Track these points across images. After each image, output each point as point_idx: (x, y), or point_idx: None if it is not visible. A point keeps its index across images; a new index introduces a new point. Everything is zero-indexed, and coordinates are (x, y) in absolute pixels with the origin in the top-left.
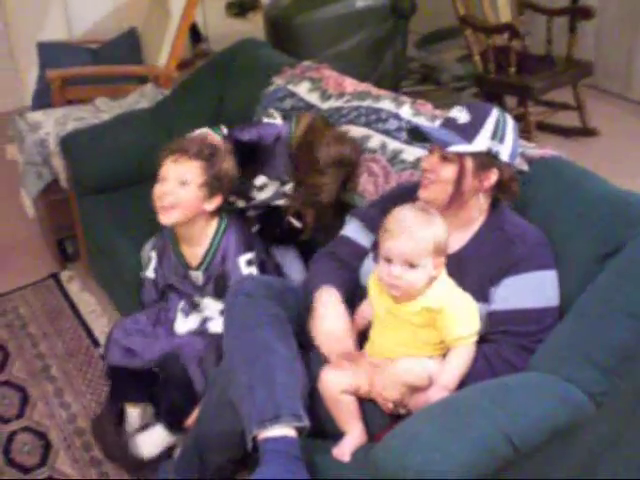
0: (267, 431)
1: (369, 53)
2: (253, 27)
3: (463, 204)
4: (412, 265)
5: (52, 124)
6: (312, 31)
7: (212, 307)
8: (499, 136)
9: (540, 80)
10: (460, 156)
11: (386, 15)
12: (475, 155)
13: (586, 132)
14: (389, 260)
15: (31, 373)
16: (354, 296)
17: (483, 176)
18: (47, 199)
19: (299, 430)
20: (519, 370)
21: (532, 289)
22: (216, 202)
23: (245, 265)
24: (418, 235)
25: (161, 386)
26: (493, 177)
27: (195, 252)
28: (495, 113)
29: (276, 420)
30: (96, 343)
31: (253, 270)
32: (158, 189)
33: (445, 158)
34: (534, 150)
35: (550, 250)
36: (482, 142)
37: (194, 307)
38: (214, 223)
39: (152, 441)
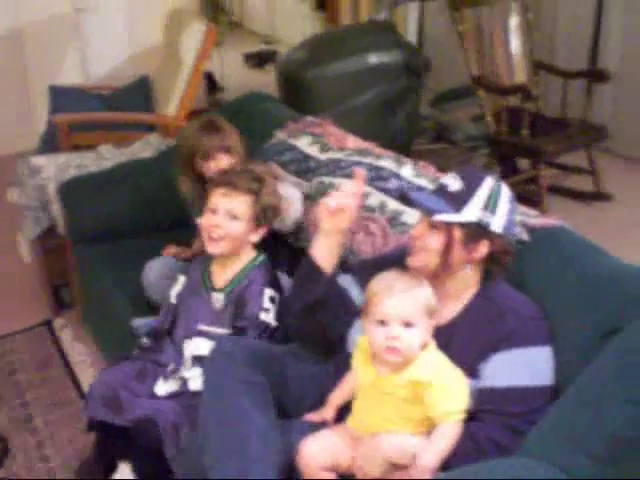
0: None
1: (382, 110)
2: (270, 79)
3: (451, 275)
4: (409, 324)
5: (53, 169)
6: (324, 86)
7: (194, 373)
8: (491, 207)
9: (553, 143)
10: (448, 225)
11: (400, 72)
12: (464, 225)
13: (600, 197)
14: (384, 322)
15: (14, 422)
16: (340, 363)
17: (472, 247)
18: (44, 245)
19: None
20: (507, 451)
21: (523, 366)
22: (261, 232)
23: (268, 299)
24: (413, 292)
25: (135, 449)
26: (483, 249)
27: (224, 274)
28: (489, 183)
29: None
30: (82, 395)
31: (272, 309)
32: (208, 220)
33: (434, 226)
34: (536, 219)
35: (545, 325)
36: (472, 212)
37: (175, 372)
38: (252, 253)
39: None
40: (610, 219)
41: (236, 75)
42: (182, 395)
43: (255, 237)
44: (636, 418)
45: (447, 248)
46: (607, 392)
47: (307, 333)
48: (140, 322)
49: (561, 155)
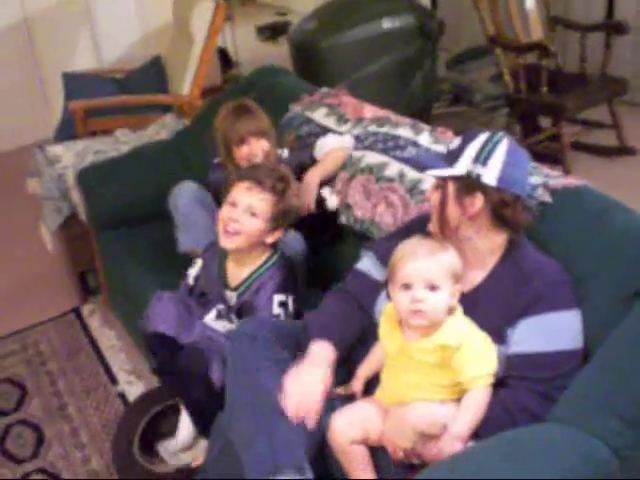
0: None
1: (398, 75)
2: (285, 50)
3: (453, 234)
4: (434, 287)
5: (71, 157)
6: (338, 55)
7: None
8: (482, 159)
9: (573, 99)
10: (444, 181)
11: (414, 36)
12: (456, 179)
13: (624, 151)
14: (409, 286)
15: (47, 411)
16: (368, 334)
17: (466, 202)
18: (67, 233)
19: None
20: (538, 418)
21: (551, 331)
22: (277, 235)
23: (277, 305)
24: (437, 256)
25: (183, 379)
26: (477, 202)
27: (239, 273)
28: (482, 137)
29: (277, 473)
30: (114, 380)
31: (282, 314)
32: (227, 213)
33: (437, 187)
34: (557, 180)
35: (571, 288)
36: (463, 165)
37: (226, 316)
38: (268, 253)
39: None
40: (635, 173)
41: (250, 49)
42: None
43: (270, 239)
44: None
45: (442, 204)
46: (636, 355)
47: None
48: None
49: (582, 111)
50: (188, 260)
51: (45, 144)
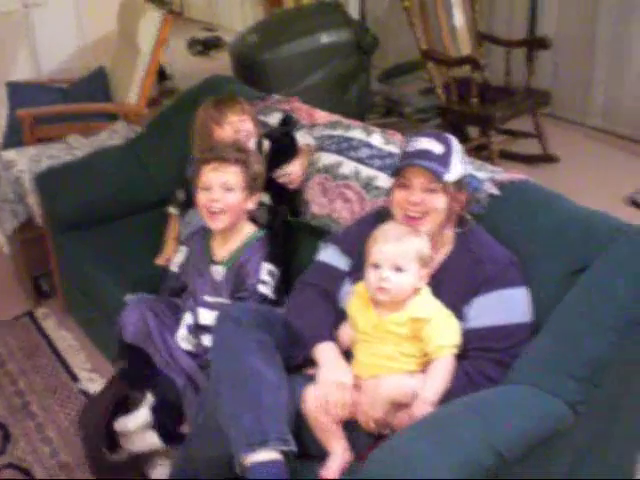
0: (255, 455)
1: (334, 88)
2: (217, 65)
3: (443, 228)
4: (399, 269)
5: (26, 162)
6: (279, 67)
7: (204, 317)
8: (463, 159)
9: (501, 109)
10: (444, 185)
11: (350, 51)
12: (454, 180)
13: (547, 158)
14: (377, 265)
15: (11, 410)
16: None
17: (460, 197)
18: (22, 237)
19: (286, 454)
20: (498, 384)
21: (502, 307)
22: (255, 199)
23: (266, 273)
24: (405, 241)
25: (155, 406)
26: (462, 197)
27: (225, 248)
28: (454, 140)
29: (263, 445)
30: (75, 378)
31: (270, 282)
32: (205, 197)
33: (432, 190)
34: (503, 174)
35: (520, 269)
36: (458, 168)
37: (194, 331)
38: (251, 227)
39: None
40: (558, 178)
41: (181, 63)
42: (199, 357)
43: (251, 204)
44: (613, 342)
45: (450, 204)
46: (582, 321)
47: None
48: (133, 298)
49: (509, 121)
50: (149, 260)
51: None
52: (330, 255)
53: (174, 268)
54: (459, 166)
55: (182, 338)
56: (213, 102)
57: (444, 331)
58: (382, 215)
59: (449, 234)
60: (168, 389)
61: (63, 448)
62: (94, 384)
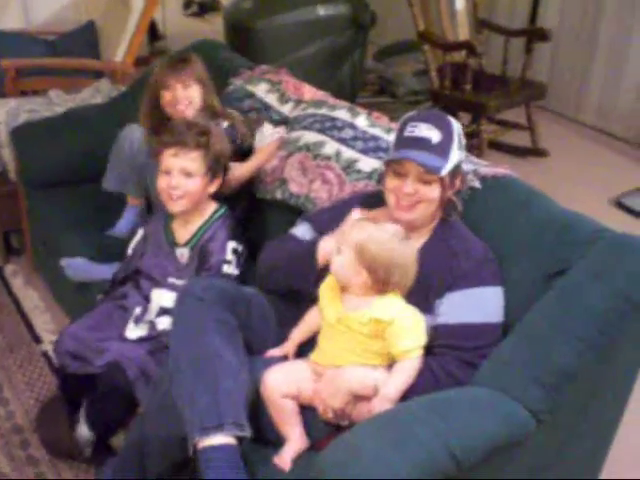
0: (209, 439)
1: (328, 62)
2: (212, 28)
3: (432, 217)
4: (339, 250)
5: (3, 114)
6: (272, 36)
7: (166, 300)
8: (461, 144)
9: (494, 99)
10: (440, 175)
11: (347, 25)
12: (450, 169)
13: (536, 152)
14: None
15: None
16: (301, 298)
17: (453, 185)
18: None
19: (240, 439)
20: (463, 384)
21: (475, 304)
22: (217, 183)
23: (231, 252)
24: (354, 231)
25: (100, 395)
26: (458, 183)
27: (187, 229)
28: (455, 124)
29: (218, 428)
30: (37, 340)
31: (234, 260)
32: (164, 182)
33: (426, 180)
34: (487, 168)
35: (496, 266)
36: (455, 156)
37: (143, 315)
38: (213, 206)
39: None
40: (545, 174)
41: (176, 23)
42: (151, 339)
43: (213, 188)
44: (583, 353)
45: (443, 194)
46: (553, 327)
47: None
48: (68, 262)
49: (501, 111)
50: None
51: None
52: (303, 231)
53: (129, 250)
54: (457, 153)
55: (130, 330)
56: (165, 64)
57: (409, 334)
58: (361, 201)
59: (432, 224)
60: (118, 377)
61: (19, 411)
62: None
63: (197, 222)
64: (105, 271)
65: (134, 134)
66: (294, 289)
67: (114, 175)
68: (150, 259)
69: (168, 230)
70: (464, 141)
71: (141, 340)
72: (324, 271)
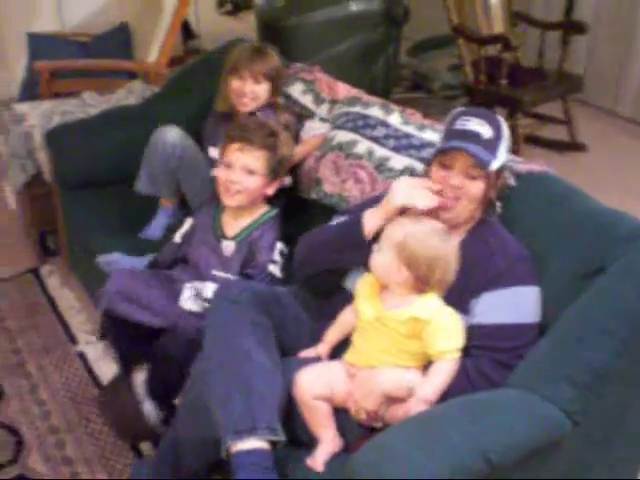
0: (242, 443)
1: (361, 58)
2: (245, 26)
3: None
4: (379, 248)
5: (38, 117)
6: (305, 34)
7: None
8: (510, 145)
9: (530, 93)
10: (486, 171)
11: (380, 21)
12: (497, 168)
13: (574, 147)
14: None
15: (6, 368)
16: (335, 299)
17: (495, 184)
18: (30, 192)
19: (273, 443)
20: (497, 386)
21: (511, 305)
22: (276, 185)
23: (278, 252)
24: (397, 227)
25: (160, 361)
26: (500, 183)
27: (236, 224)
28: (504, 124)
29: (252, 433)
30: (73, 340)
31: (280, 262)
32: (224, 175)
33: (472, 176)
34: (522, 165)
35: (532, 266)
36: (503, 155)
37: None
38: (265, 206)
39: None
40: (583, 168)
41: (210, 22)
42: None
43: (271, 190)
44: (616, 351)
45: (486, 192)
46: (590, 327)
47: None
48: (104, 257)
49: (538, 105)
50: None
51: (11, 102)
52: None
53: (177, 238)
54: (505, 153)
55: (186, 298)
56: (242, 51)
57: (447, 335)
58: None
59: (471, 223)
60: (173, 343)
61: (55, 411)
62: (91, 347)
63: (247, 219)
64: (141, 263)
65: (166, 137)
66: (330, 270)
67: (147, 177)
68: (195, 251)
69: (217, 222)
70: (511, 144)
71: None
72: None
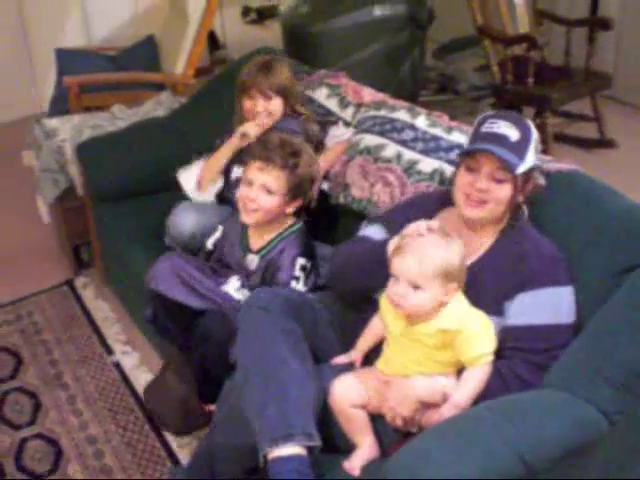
0: (278, 450)
1: (387, 62)
2: (271, 34)
3: (499, 220)
4: (416, 286)
5: (68, 131)
6: (330, 40)
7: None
8: (538, 150)
9: (558, 91)
10: (512, 175)
11: (404, 24)
12: (524, 171)
13: (604, 144)
14: (396, 278)
15: (44, 380)
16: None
17: (524, 188)
18: (63, 206)
19: (310, 448)
20: (533, 387)
21: (546, 305)
22: (297, 204)
23: (299, 268)
24: (427, 257)
25: (198, 338)
26: (529, 187)
27: (262, 237)
28: (533, 127)
29: (288, 439)
30: (109, 351)
31: (302, 277)
32: (244, 192)
33: (499, 178)
34: (551, 164)
35: (566, 266)
36: (531, 158)
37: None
38: (289, 220)
39: None
40: (614, 165)
41: (236, 32)
42: None
43: (291, 209)
44: None
45: (514, 196)
46: (625, 325)
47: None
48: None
49: (566, 103)
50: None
51: (41, 117)
52: (373, 231)
53: (209, 245)
54: (533, 156)
55: (234, 288)
56: (251, 68)
57: (478, 340)
58: (428, 201)
59: (500, 225)
60: (219, 326)
61: (92, 421)
62: (127, 357)
63: (272, 233)
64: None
65: (183, 228)
66: (366, 288)
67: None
68: (227, 256)
69: (244, 234)
70: (540, 147)
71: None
72: None
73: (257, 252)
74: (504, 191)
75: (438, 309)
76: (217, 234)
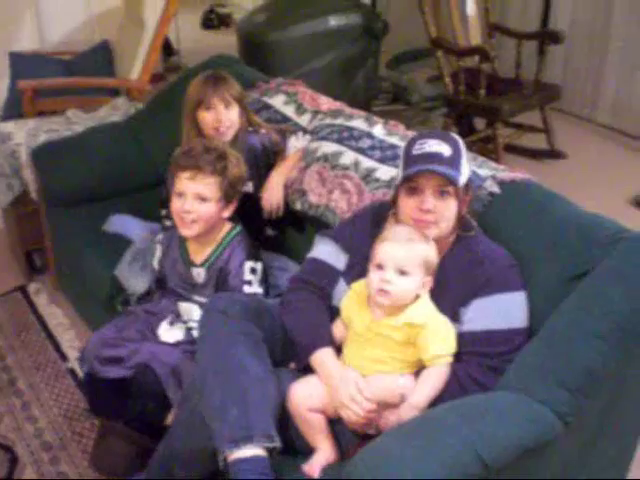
0: (239, 451)
1: (341, 72)
2: (226, 43)
3: (450, 233)
4: (403, 272)
5: (23, 135)
6: (285, 48)
7: (195, 314)
8: (469, 160)
9: (509, 102)
10: (455, 189)
11: (359, 35)
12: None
13: (553, 154)
14: (381, 266)
15: None
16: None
17: (465, 200)
18: (16, 211)
19: (270, 450)
20: (488, 389)
21: (500, 311)
22: (233, 207)
23: (249, 271)
24: (414, 245)
25: (134, 396)
26: (468, 198)
27: (202, 250)
28: (459, 139)
29: (248, 440)
30: (63, 357)
31: (254, 280)
32: (178, 205)
33: (442, 195)
34: (505, 173)
35: (519, 272)
36: (465, 170)
37: (177, 317)
38: (227, 226)
39: None
40: (563, 175)
41: (189, 39)
42: (187, 343)
43: (227, 213)
44: (607, 354)
45: (459, 209)
46: (577, 329)
47: None
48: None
49: (517, 115)
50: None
51: None
52: (326, 252)
53: (155, 264)
54: (467, 167)
55: (164, 331)
56: (202, 81)
57: (441, 339)
58: (379, 211)
59: (451, 237)
60: (150, 380)
61: (47, 428)
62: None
63: (212, 243)
64: (146, 228)
65: (140, 288)
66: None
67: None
68: (171, 279)
69: (183, 249)
70: (469, 155)
71: (178, 343)
72: None
73: (201, 265)
74: (450, 206)
75: (411, 302)
76: (158, 253)
